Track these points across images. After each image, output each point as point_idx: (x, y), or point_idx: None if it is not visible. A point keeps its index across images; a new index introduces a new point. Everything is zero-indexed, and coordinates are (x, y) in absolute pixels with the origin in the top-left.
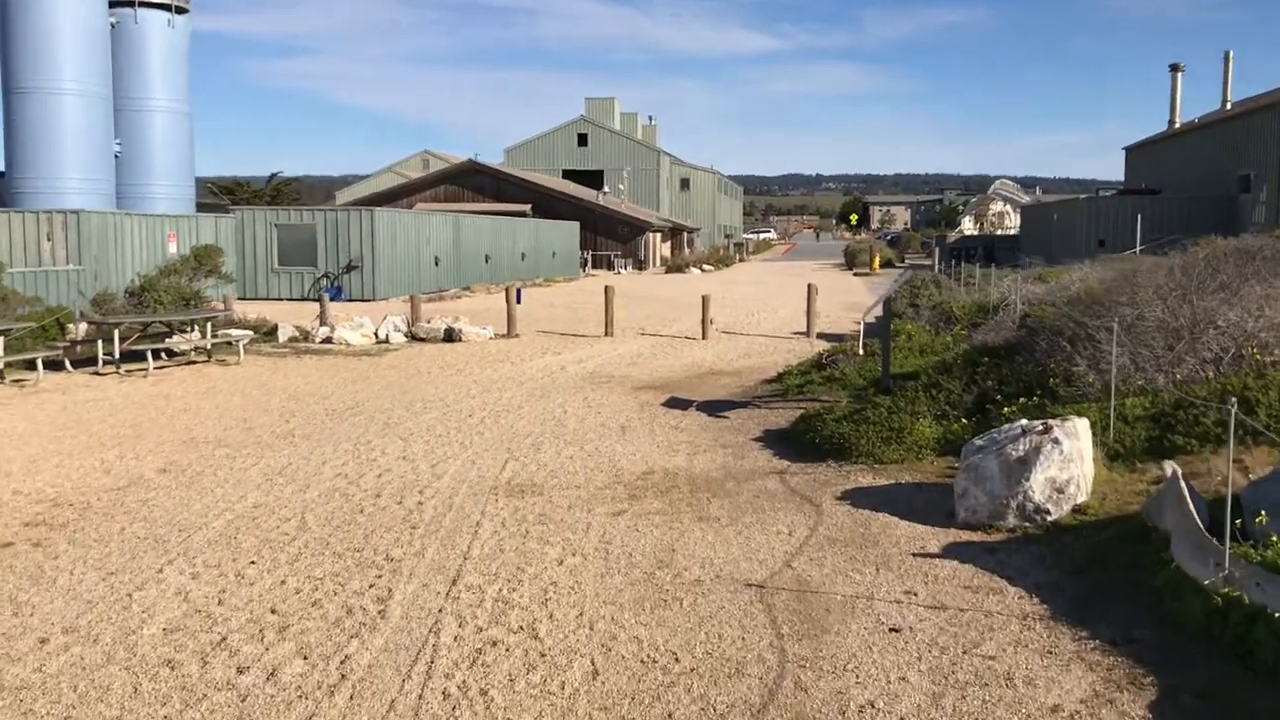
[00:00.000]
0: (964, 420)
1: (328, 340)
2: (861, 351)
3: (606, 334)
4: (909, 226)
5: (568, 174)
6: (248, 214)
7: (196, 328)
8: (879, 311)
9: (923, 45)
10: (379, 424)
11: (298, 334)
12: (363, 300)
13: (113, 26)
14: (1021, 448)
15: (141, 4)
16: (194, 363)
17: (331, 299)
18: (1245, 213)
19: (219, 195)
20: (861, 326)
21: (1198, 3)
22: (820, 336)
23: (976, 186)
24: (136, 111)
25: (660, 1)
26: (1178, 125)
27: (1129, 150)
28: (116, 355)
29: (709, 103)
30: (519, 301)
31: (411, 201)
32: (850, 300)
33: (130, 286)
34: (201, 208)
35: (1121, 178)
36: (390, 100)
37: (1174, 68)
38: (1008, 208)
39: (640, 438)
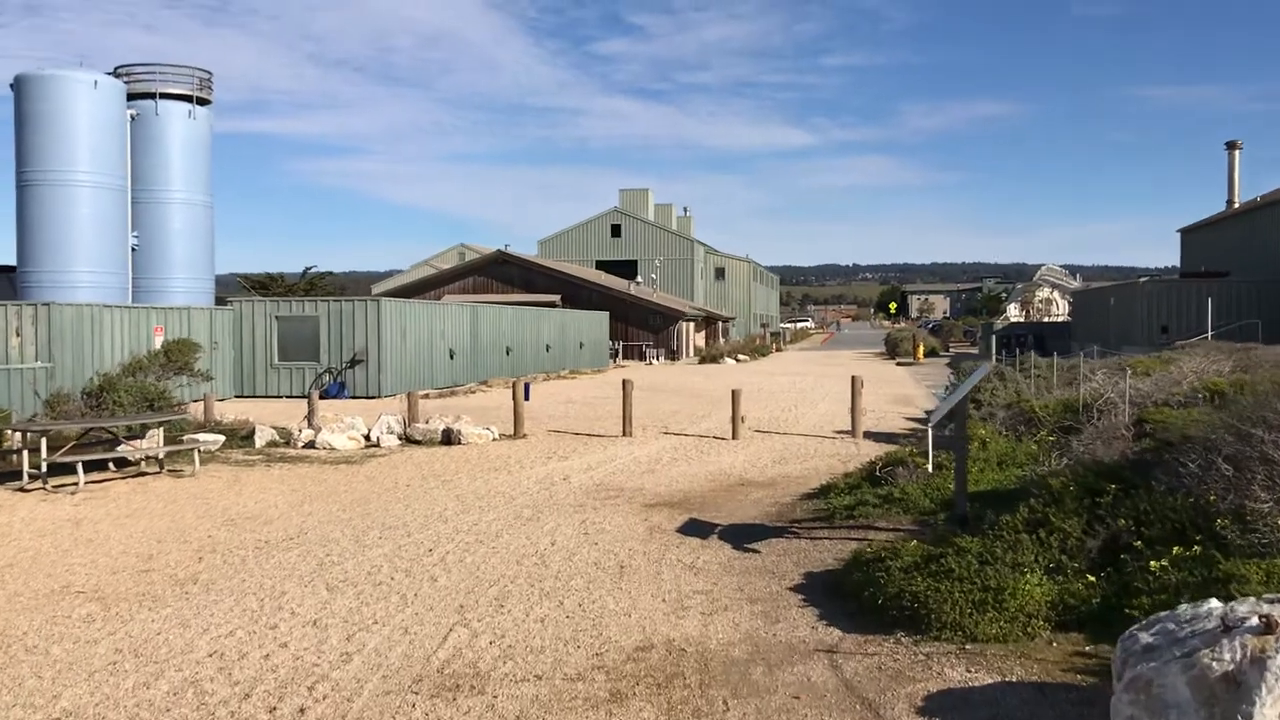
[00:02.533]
0: (1089, 577)
1: (311, 445)
2: (930, 467)
3: (625, 434)
4: (947, 315)
5: (601, 265)
6: (246, 306)
7: (153, 433)
8: (938, 414)
9: (957, 136)
10: (311, 564)
11: (278, 438)
12: (368, 398)
13: (132, 119)
14: (1226, 655)
15: (163, 95)
16: (145, 474)
17: (334, 396)
18: None
19: (251, 290)
20: (930, 436)
21: (1229, 93)
22: (867, 436)
23: (1014, 275)
24: (155, 203)
25: (700, 100)
26: (1237, 205)
27: (1185, 232)
28: (43, 468)
29: (745, 196)
30: (527, 398)
31: (440, 293)
32: (897, 392)
33: (88, 386)
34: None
35: (1161, 264)
36: (432, 198)
37: (1231, 145)
38: (1055, 294)
39: (642, 584)
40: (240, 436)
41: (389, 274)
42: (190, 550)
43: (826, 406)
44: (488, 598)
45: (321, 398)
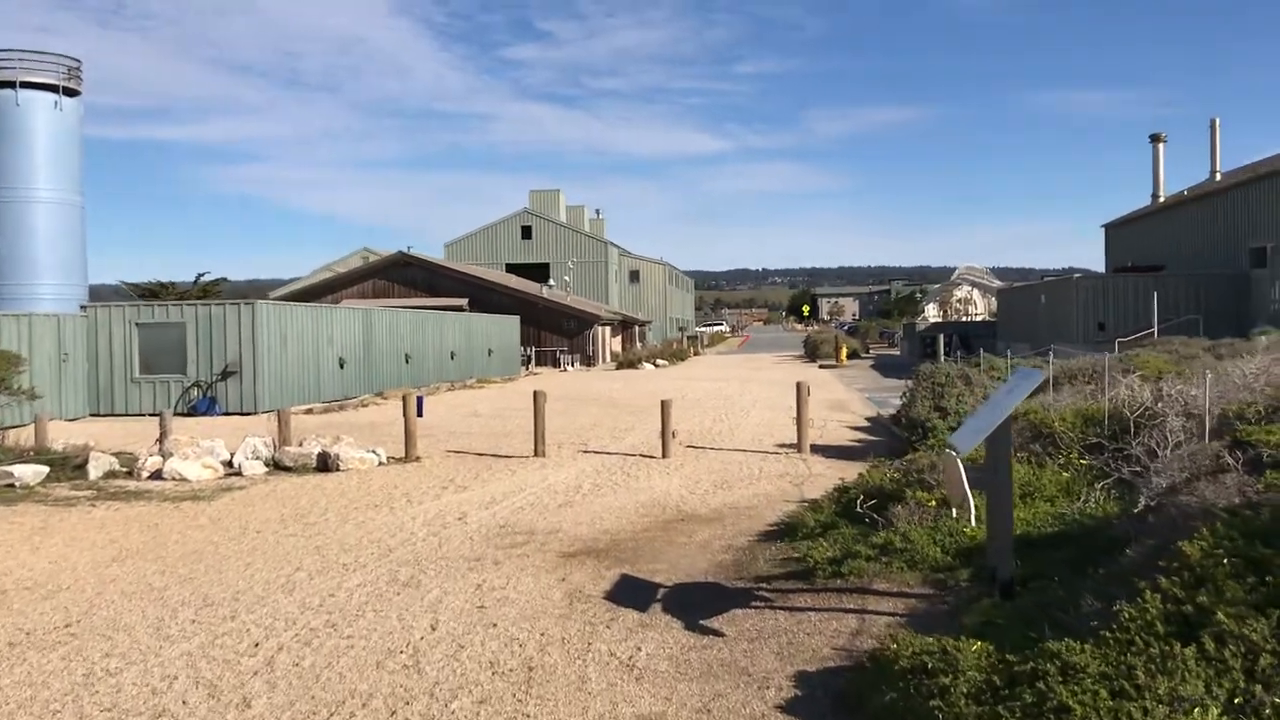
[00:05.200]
0: None
1: (158, 475)
2: (974, 519)
3: (537, 454)
4: (857, 316)
5: (511, 268)
6: (102, 312)
7: None
8: (971, 438)
9: (865, 141)
10: (73, 678)
11: (119, 467)
12: (242, 414)
13: None
14: None
15: (24, 85)
16: None
17: (203, 413)
18: (1262, 289)
19: (136, 299)
20: (961, 471)
21: (1138, 98)
22: (814, 450)
23: (919, 277)
24: (17, 202)
25: (611, 105)
26: (1162, 199)
27: (1109, 227)
28: None
29: (658, 202)
30: (420, 413)
31: (339, 297)
32: (829, 397)
33: None
34: None
35: (1064, 264)
36: (341, 204)
37: (1155, 138)
38: (974, 293)
39: (560, 706)
40: (72, 466)
41: (293, 281)
42: None
43: (760, 415)
44: None
45: (190, 415)
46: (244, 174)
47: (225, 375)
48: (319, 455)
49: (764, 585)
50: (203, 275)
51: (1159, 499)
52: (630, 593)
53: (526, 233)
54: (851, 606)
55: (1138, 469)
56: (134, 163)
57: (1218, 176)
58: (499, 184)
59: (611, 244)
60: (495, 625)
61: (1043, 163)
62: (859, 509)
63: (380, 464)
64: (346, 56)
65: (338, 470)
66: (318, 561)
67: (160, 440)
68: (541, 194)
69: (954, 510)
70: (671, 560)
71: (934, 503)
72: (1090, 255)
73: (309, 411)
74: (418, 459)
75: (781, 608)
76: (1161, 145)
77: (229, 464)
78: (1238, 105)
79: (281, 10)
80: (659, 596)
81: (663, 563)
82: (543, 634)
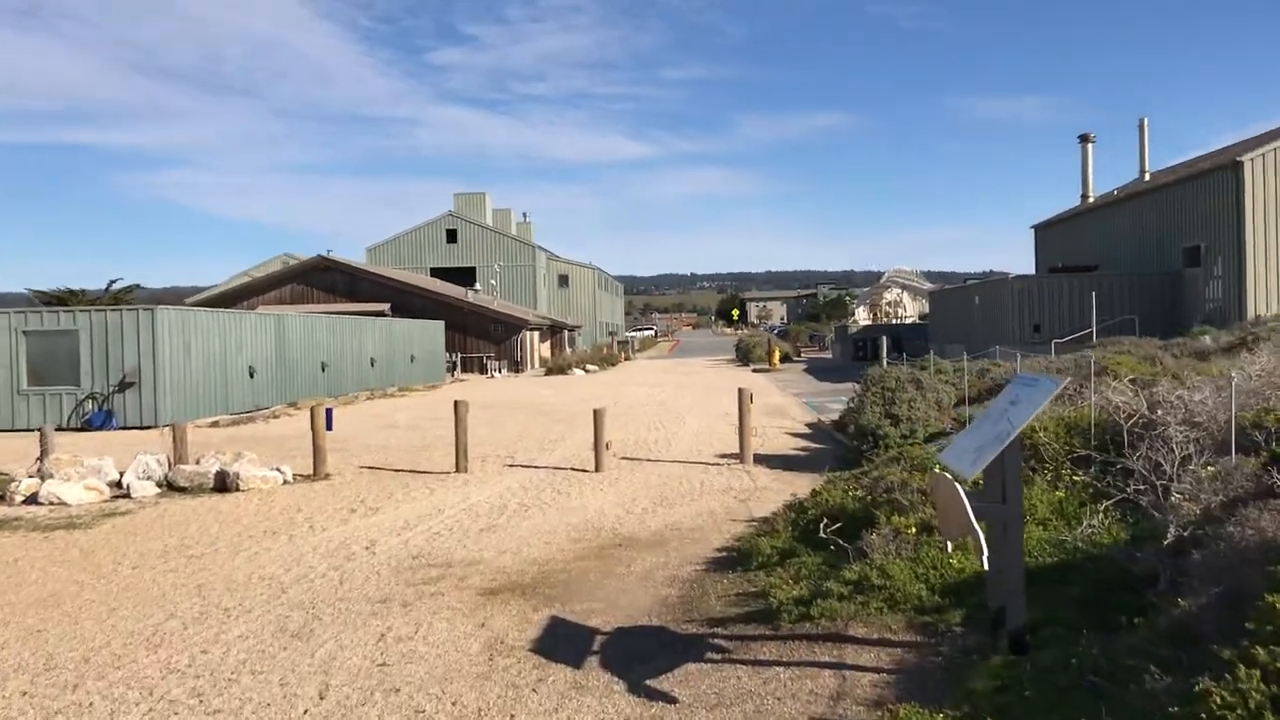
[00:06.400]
0: None
1: (33, 499)
2: (984, 561)
3: (459, 469)
4: (785, 320)
5: (436, 272)
6: None
7: None
8: (973, 459)
9: (791, 147)
10: None
11: None
12: (142, 428)
13: None
14: None
15: None
16: None
17: (99, 427)
18: (1196, 288)
19: (42, 306)
20: (965, 499)
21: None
22: (758, 461)
23: (845, 281)
24: None
25: (537, 110)
26: (1092, 199)
27: (1039, 228)
28: None
29: (586, 207)
30: (330, 426)
31: (255, 303)
32: (766, 403)
33: None
34: None
35: (985, 267)
36: (262, 210)
37: (1084, 138)
38: (904, 295)
39: None
40: None
41: (213, 288)
42: None
43: (697, 422)
44: None
45: (84, 430)
46: (163, 179)
47: (123, 386)
48: (217, 474)
49: (719, 631)
50: (115, 282)
51: (1194, 528)
52: (562, 641)
53: (452, 236)
54: (827, 659)
55: (1143, 487)
56: (48, 168)
57: (1147, 176)
58: (424, 189)
59: (540, 248)
60: (398, 691)
61: (970, 167)
62: (823, 534)
63: (285, 483)
64: (268, 60)
65: (237, 490)
66: (196, 606)
67: (40, 459)
68: (467, 197)
69: (947, 545)
70: (609, 597)
71: (913, 529)
72: (1018, 258)
73: (214, 424)
74: (327, 476)
75: (743, 661)
76: (1090, 145)
77: (118, 484)
78: (1165, 107)
79: (202, 13)
80: (596, 646)
81: (599, 600)
82: (455, 703)
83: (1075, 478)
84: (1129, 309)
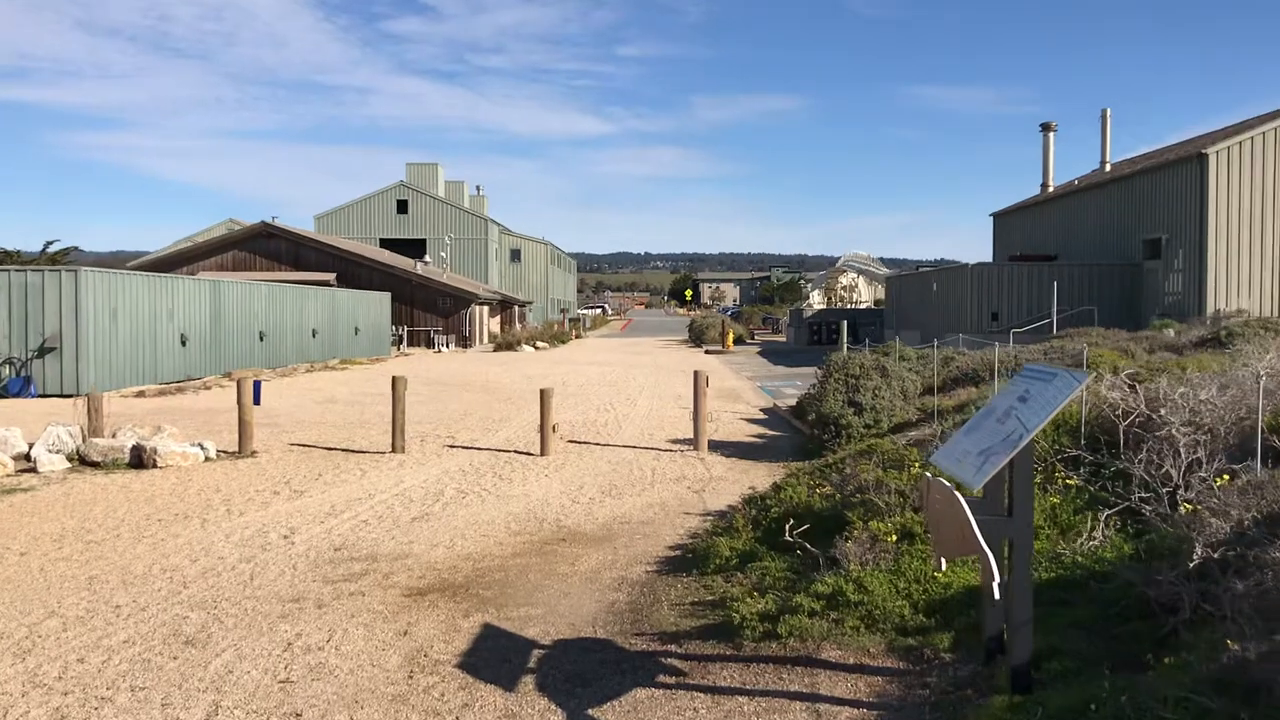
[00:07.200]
0: None
1: None
2: (995, 591)
3: (395, 449)
4: (738, 302)
5: (385, 243)
6: None
7: None
8: (976, 466)
9: (747, 129)
10: None
11: None
12: (62, 396)
13: None
14: None
15: None
16: None
17: (15, 394)
18: (1155, 281)
19: None
20: (970, 518)
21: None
22: (713, 448)
23: (797, 264)
24: None
25: (494, 83)
26: (1052, 188)
27: (998, 216)
28: None
29: (541, 183)
30: (257, 401)
31: (195, 269)
32: (722, 386)
33: None
34: None
35: (936, 255)
36: (211, 175)
37: (1046, 127)
38: (859, 280)
39: None
40: None
41: (152, 253)
42: None
43: (648, 404)
44: None
45: (0, 396)
46: (109, 141)
47: (43, 352)
48: (133, 449)
49: (674, 649)
50: (51, 244)
51: (1225, 549)
52: (494, 656)
53: (402, 207)
54: (797, 688)
55: (1146, 495)
56: None
57: (1108, 167)
58: (377, 159)
59: (492, 221)
60: (298, 716)
61: (925, 155)
62: (789, 536)
63: (207, 460)
64: (220, 23)
65: (155, 467)
66: (84, 602)
67: None
68: (419, 167)
69: (940, 563)
70: (549, 601)
71: (893, 536)
72: (973, 246)
73: (140, 395)
74: (253, 454)
75: (700, 688)
76: (1052, 135)
77: (26, 457)
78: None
79: None
80: (532, 663)
81: (538, 605)
82: None
83: (1069, 481)
84: (1088, 299)
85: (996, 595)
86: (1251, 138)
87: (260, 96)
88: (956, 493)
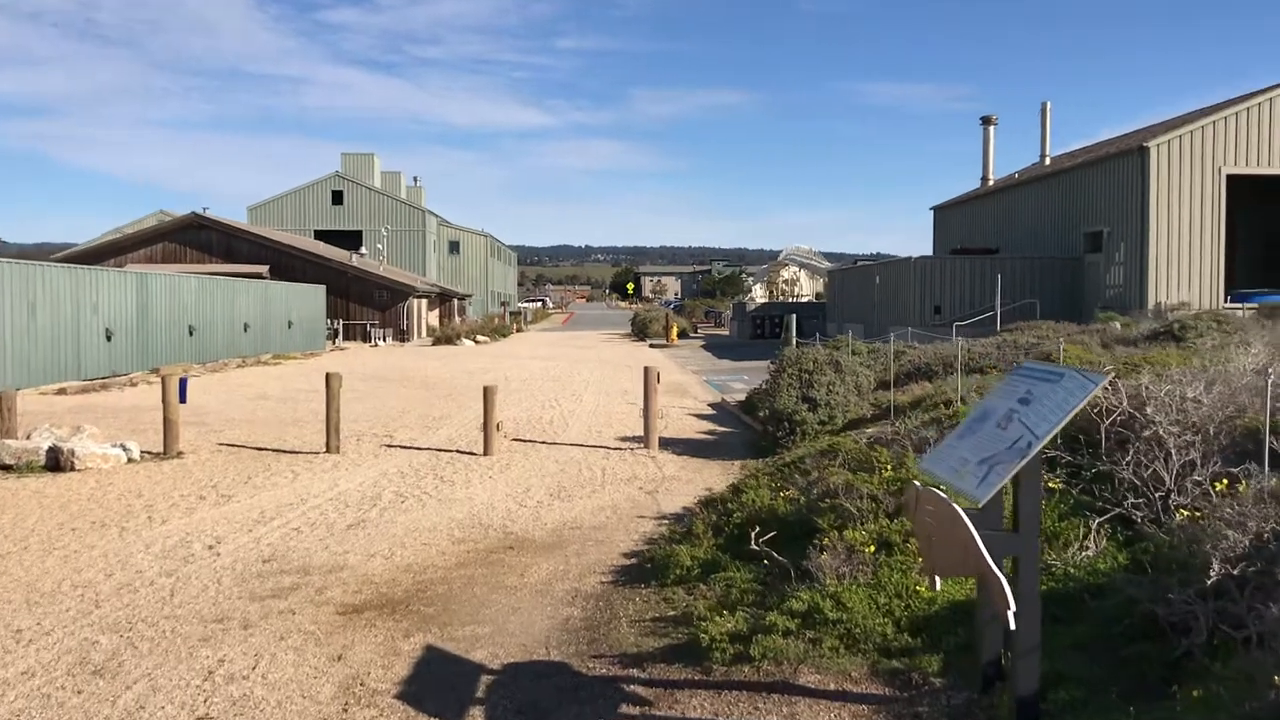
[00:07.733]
0: None
1: None
2: (1011, 620)
3: (330, 449)
4: (680, 295)
5: (320, 235)
6: None
7: None
8: (980, 477)
9: (687, 123)
10: None
11: None
12: None
13: None
14: None
15: None
16: None
17: None
18: (1096, 274)
19: None
20: (975, 535)
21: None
22: (664, 446)
23: (737, 258)
24: None
25: (432, 75)
26: (992, 182)
27: (938, 209)
28: None
29: (481, 174)
30: (183, 399)
31: (122, 262)
32: (668, 380)
33: None
34: None
35: (872, 250)
36: (139, 166)
37: (986, 120)
38: (801, 274)
39: None
40: None
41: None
42: None
43: (594, 400)
44: None
45: None
46: (31, 129)
47: None
48: (49, 451)
49: (636, 673)
50: None
51: (1245, 564)
52: (437, 684)
53: (337, 198)
54: (775, 718)
55: (1139, 500)
56: None
57: (1048, 160)
58: (312, 150)
59: (430, 213)
60: None
61: (865, 150)
62: (755, 545)
63: (130, 461)
64: (146, 10)
65: (72, 470)
66: None
67: None
68: (355, 157)
69: (935, 582)
70: (497, 618)
71: (871, 547)
72: (912, 241)
73: (61, 392)
74: (179, 455)
75: (665, 717)
76: (993, 128)
77: None
78: (1067, 92)
79: None
80: (480, 692)
81: (485, 623)
82: None
83: (1051, 484)
84: (1030, 293)
85: (1013, 625)
86: (1191, 131)
87: (189, 86)
88: (956, 506)
